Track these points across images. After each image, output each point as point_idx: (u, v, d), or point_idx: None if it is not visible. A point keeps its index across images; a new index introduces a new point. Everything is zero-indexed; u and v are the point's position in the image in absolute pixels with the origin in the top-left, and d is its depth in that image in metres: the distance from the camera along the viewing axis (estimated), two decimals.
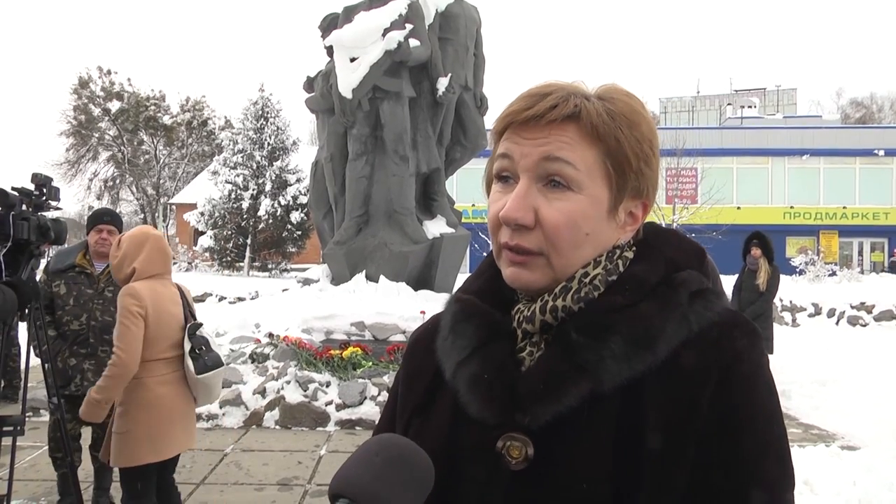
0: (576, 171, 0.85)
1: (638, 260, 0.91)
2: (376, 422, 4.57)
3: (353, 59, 8.67)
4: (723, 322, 0.85)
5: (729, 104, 49.24)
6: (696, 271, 0.90)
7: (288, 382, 6.52)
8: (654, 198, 0.93)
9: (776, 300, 15.12)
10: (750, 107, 44.16)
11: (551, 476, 0.82)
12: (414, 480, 0.73)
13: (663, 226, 1.00)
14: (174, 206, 38.89)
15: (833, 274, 21.14)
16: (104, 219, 4.26)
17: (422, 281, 8.96)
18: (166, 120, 45.30)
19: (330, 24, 9.38)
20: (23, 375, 3.26)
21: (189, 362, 3.22)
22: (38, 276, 4.20)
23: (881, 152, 30.97)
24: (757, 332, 0.86)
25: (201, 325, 3.36)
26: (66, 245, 6.89)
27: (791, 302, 15.70)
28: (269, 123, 28.25)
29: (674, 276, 0.88)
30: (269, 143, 27.95)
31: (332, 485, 0.72)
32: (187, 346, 3.25)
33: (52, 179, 3.21)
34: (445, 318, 0.98)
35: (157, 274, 3.24)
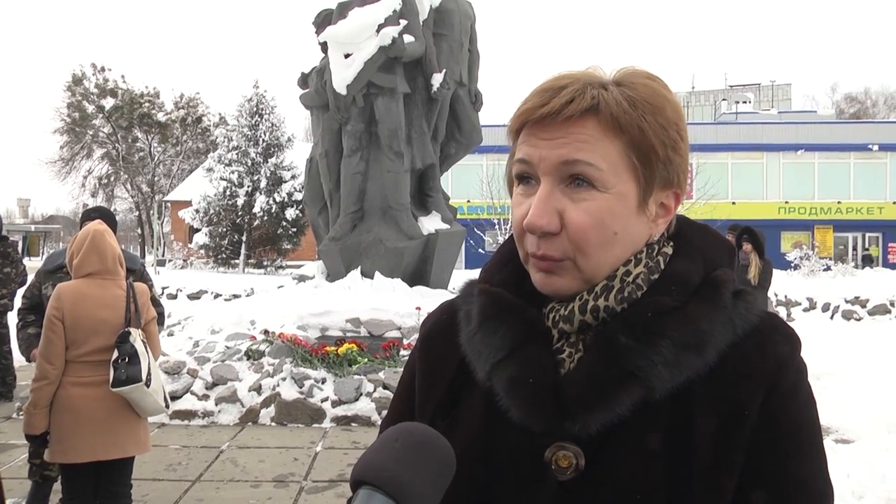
0: (599, 170, 0.80)
1: (677, 256, 0.87)
2: (371, 418, 4.60)
3: (347, 56, 8.66)
4: (764, 326, 0.83)
5: (724, 99, 49.24)
6: (729, 269, 0.88)
7: (283, 379, 6.51)
8: (685, 186, 0.88)
9: (771, 295, 15.21)
10: (745, 102, 44.18)
11: (602, 487, 0.78)
12: (436, 464, 0.72)
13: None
14: (169, 204, 38.77)
15: (828, 268, 21.20)
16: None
17: (417, 277, 8.97)
18: (160, 117, 45.16)
19: (324, 20, 9.37)
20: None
21: (111, 372, 3.10)
22: (30, 278, 4.23)
23: (875, 147, 31.06)
24: (796, 337, 0.85)
25: (130, 333, 3.19)
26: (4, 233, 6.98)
27: (786, 296, 15.75)
28: (263, 120, 28.22)
29: (713, 275, 0.85)
30: (263, 140, 27.91)
31: (354, 473, 0.71)
32: (114, 354, 3.13)
33: None
34: (470, 311, 0.92)
35: (93, 273, 3.16)
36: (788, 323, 0.87)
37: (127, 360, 3.11)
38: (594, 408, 0.78)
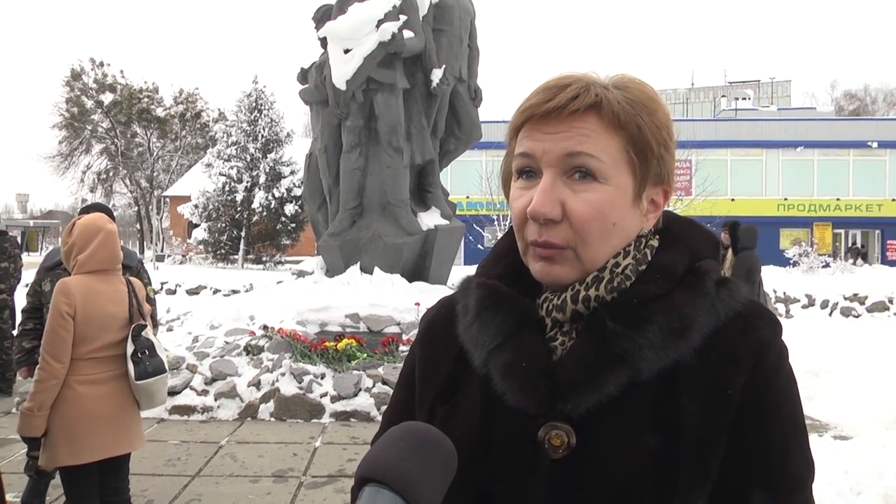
0: (600, 162, 0.85)
1: (663, 248, 0.92)
2: (370, 413, 4.60)
3: (347, 51, 8.65)
4: (747, 312, 0.87)
5: (723, 96, 49.23)
6: (713, 260, 0.92)
7: (283, 374, 6.52)
8: (673, 184, 0.93)
9: (770, 292, 15.22)
10: (744, 99, 44.20)
11: (593, 464, 0.82)
12: (439, 462, 0.74)
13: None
14: (168, 199, 38.74)
15: (826, 265, 21.23)
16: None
17: (416, 273, 8.97)
18: (160, 112, 45.10)
19: (324, 15, 9.36)
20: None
21: (130, 366, 3.07)
22: (29, 273, 4.23)
23: (875, 144, 31.08)
24: (778, 323, 0.88)
25: (145, 326, 3.19)
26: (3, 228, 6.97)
27: (785, 293, 15.79)
28: (262, 115, 28.14)
29: (697, 265, 0.90)
30: (262, 136, 27.85)
31: (360, 470, 0.72)
32: (130, 348, 3.09)
33: None
34: (468, 303, 0.96)
35: (100, 270, 3.12)
36: (777, 314, 0.89)
37: (147, 352, 3.12)
38: (583, 389, 0.82)
